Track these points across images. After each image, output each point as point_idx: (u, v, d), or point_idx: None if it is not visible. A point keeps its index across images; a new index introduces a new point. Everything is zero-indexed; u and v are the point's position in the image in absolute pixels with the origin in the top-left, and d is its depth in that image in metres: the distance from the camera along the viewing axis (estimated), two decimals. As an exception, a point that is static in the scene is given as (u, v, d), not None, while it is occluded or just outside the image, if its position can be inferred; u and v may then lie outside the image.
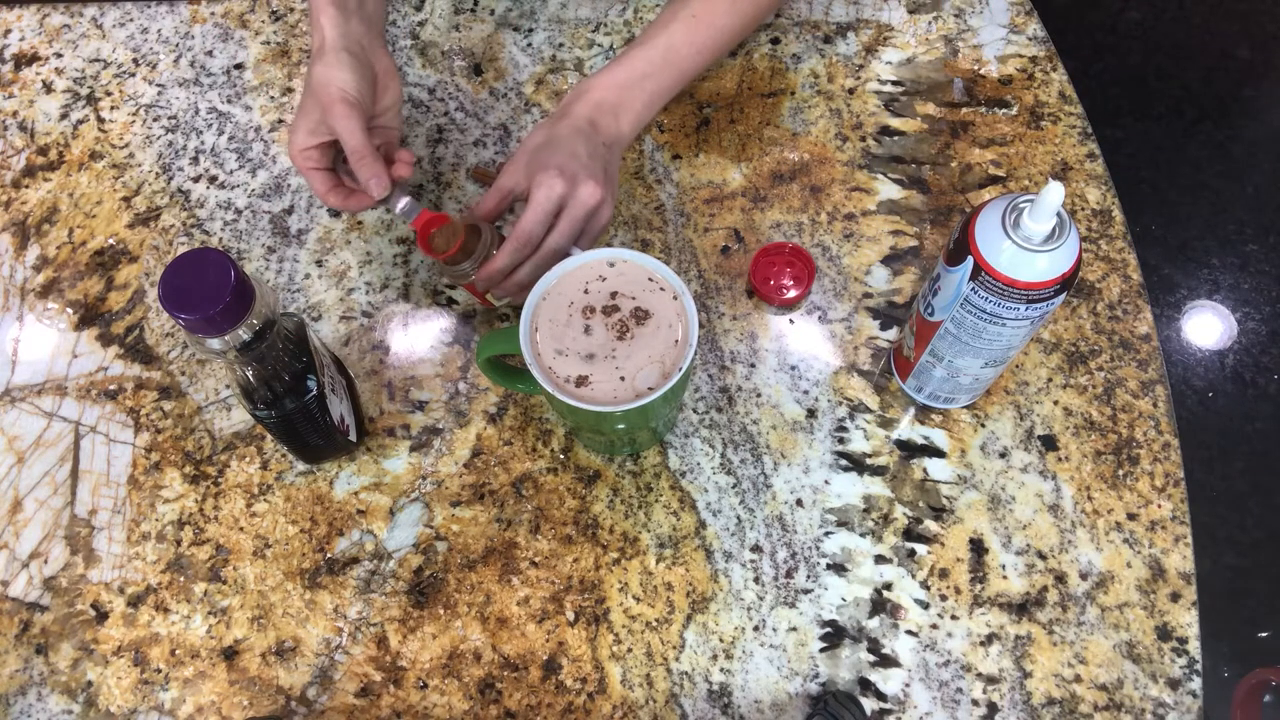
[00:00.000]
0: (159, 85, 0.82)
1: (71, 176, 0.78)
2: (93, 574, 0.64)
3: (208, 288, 0.46)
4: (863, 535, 0.63)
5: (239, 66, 0.82)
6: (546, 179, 0.58)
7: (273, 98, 0.80)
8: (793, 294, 0.69)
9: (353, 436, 0.64)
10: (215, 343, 0.48)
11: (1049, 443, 0.65)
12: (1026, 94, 0.77)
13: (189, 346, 0.69)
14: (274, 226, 0.75)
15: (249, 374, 0.53)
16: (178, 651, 0.61)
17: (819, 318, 0.70)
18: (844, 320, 0.69)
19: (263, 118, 0.79)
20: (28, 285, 0.74)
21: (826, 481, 0.64)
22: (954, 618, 0.60)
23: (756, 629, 0.61)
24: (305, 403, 0.56)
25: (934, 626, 0.60)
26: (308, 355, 0.56)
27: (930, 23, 0.81)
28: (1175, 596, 0.60)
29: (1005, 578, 0.61)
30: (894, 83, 0.78)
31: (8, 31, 0.85)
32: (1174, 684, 0.58)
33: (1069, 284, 0.50)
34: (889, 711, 0.58)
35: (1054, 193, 0.46)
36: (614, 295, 0.57)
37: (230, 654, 0.61)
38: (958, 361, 0.59)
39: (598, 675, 0.60)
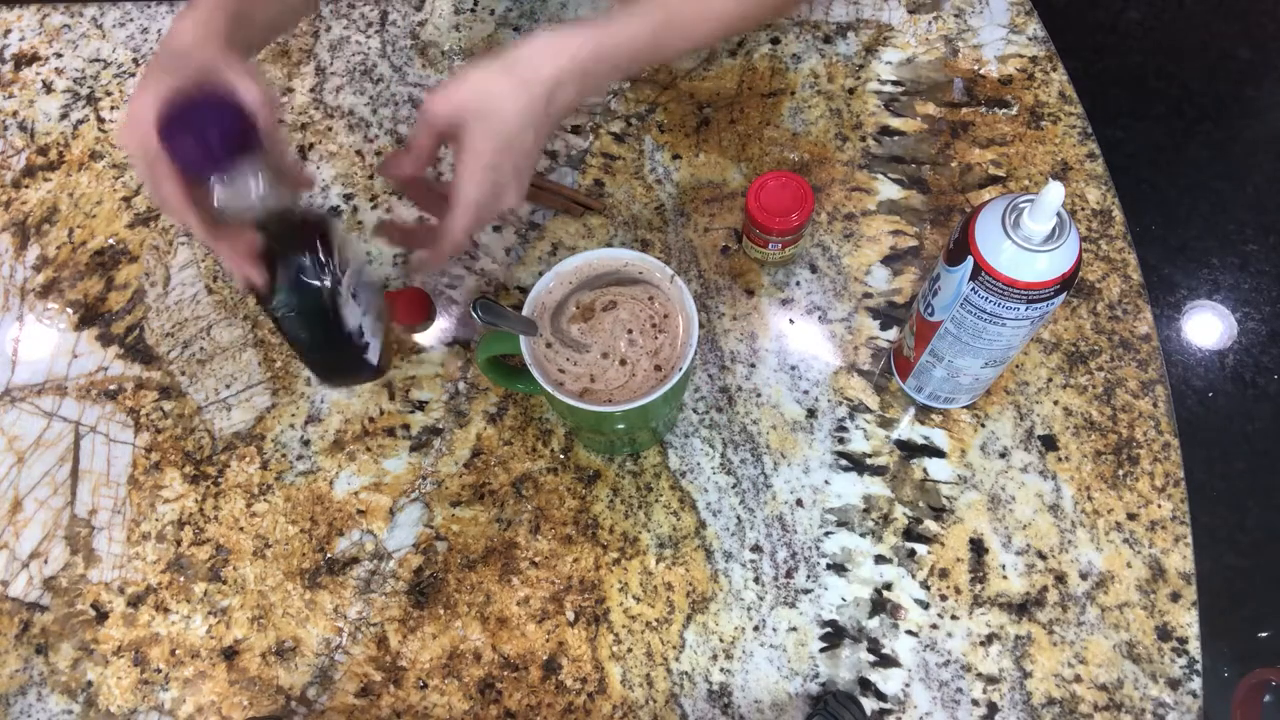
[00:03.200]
0: (159, 85, 0.82)
1: (71, 176, 0.78)
2: (93, 574, 0.64)
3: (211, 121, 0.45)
4: (863, 535, 0.63)
5: (239, 66, 0.82)
6: (471, 190, 0.51)
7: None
8: (795, 219, 0.65)
9: (371, 357, 0.56)
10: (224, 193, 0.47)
11: (1049, 443, 0.65)
12: (1026, 94, 0.77)
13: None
14: (274, 226, 0.75)
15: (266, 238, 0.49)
16: (178, 651, 0.61)
17: (819, 318, 0.70)
18: (844, 320, 0.69)
19: (263, 118, 0.79)
20: (28, 285, 0.74)
21: (826, 481, 0.64)
22: (954, 618, 0.60)
23: (756, 629, 0.61)
24: (314, 292, 0.51)
25: (934, 626, 0.60)
26: (331, 252, 0.51)
27: (930, 23, 0.81)
28: (1175, 596, 0.60)
29: (1005, 578, 0.61)
30: (894, 83, 0.78)
31: (8, 31, 0.85)
32: (1174, 684, 0.58)
33: (1069, 284, 0.50)
34: (889, 711, 0.58)
35: (1054, 193, 0.46)
36: (614, 295, 0.57)
37: (230, 654, 0.61)
38: (958, 361, 0.59)
39: (598, 675, 0.60)
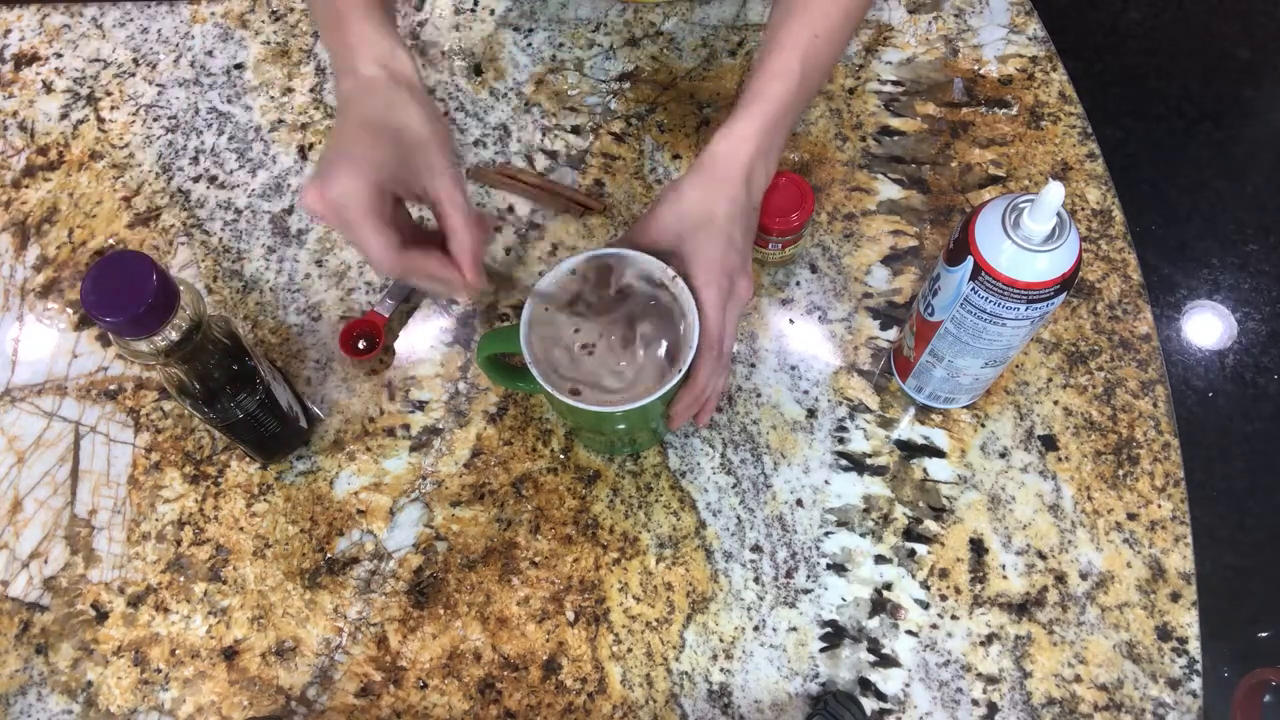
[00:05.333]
0: (159, 85, 0.82)
1: (71, 176, 0.78)
2: (93, 574, 0.64)
3: (132, 290, 0.47)
4: (863, 535, 0.63)
5: (239, 66, 0.82)
6: (713, 292, 0.54)
7: (273, 98, 0.80)
8: (795, 219, 0.65)
9: (303, 423, 0.65)
10: (143, 345, 0.49)
11: (1049, 443, 0.65)
12: (1026, 94, 0.77)
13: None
14: (274, 226, 0.75)
15: (182, 373, 0.53)
16: (178, 651, 0.61)
17: (819, 318, 0.70)
18: (844, 320, 0.69)
19: (263, 118, 0.79)
20: (28, 285, 0.74)
21: (826, 481, 0.64)
22: (954, 618, 0.60)
23: (756, 629, 0.61)
24: (259, 398, 0.57)
25: (934, 626, 0.60)
26: (245, 351, 0.56)
27: (930, 23, 0.81)
28: (1175, 596, 0.60)
29: (1005, 578, 0.61)
30: (894, 83, 0.78)
31: (8, 31, 0.85)
32: (1174, 684, 0.58)
33: (1069, 284, 0.50)
34: (889, 711, 0.58)
35: (1054, 193, 0.46)
36: (614, 294, 0.57)
37: (230, 654, 0.61)
38: (958, 361, 0.59)
39: (598, 675, 0.60)
